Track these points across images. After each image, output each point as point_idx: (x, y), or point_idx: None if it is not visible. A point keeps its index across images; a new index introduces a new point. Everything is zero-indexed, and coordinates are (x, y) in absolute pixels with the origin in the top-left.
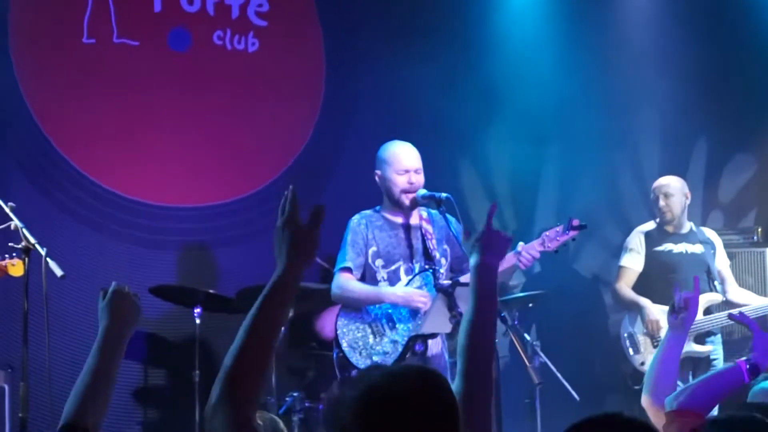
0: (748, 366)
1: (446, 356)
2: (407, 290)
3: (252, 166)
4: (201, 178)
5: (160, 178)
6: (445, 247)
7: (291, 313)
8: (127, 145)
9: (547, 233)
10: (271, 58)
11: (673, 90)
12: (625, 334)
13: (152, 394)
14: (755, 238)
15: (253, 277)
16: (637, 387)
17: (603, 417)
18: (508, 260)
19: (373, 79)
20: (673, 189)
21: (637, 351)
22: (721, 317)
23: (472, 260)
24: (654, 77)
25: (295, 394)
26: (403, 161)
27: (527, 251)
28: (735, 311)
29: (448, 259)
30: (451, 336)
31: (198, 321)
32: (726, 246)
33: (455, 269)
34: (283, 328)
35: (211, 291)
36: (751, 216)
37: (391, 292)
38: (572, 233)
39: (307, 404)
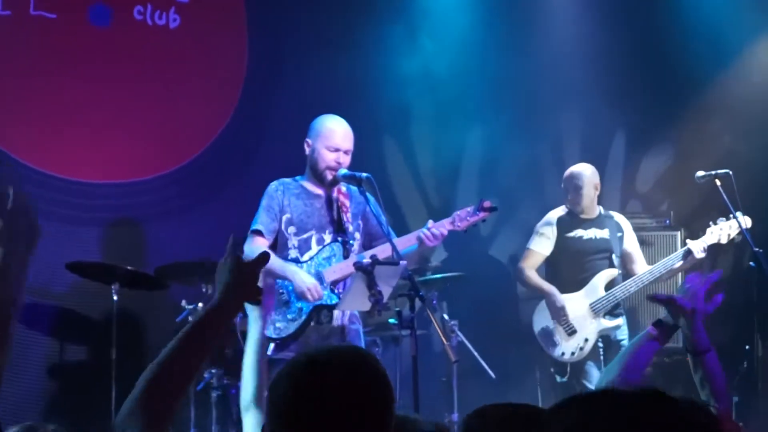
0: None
1: (356, 325)
2: (306, 281)
3: (173, 143)
4: (121, 154)
5: (80, 153)
6: (360, 222)
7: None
8: (45, 120)
9: (459, 213)
10: (192, 33)
11: (594, 84)
12: (538, 331)
13: (68, 371)
14: (667, 222)
15: (172, 254)
16: (560, 378)
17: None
18: (408, 239)
19: (297, 56)
20: (583, 181)
21: (553, 345)
22: (620, 290)
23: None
24: (576, 71)
25: (213, 371)
26: (336, 138)
27: (436, 228)
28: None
29: (362, 233)
30: (370, 314)
31: (116, 298)
32: (642, 230)
33: (366, 245)
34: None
35: (129, 267)
36: (666, 204)
37: (292, 272)
38: (483, 215)
39: (225, 381)
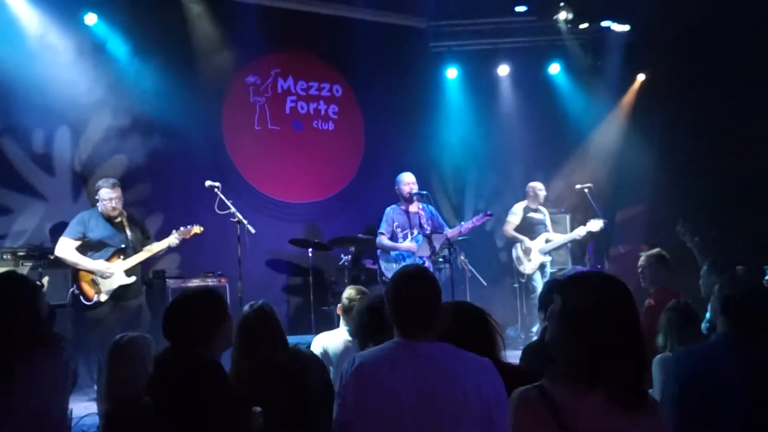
0: None
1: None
2: (410, 247)
3: (329, 184)
4: (307, 187)
5: (289, 187)
6: (430, 221)
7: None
8: (274, 172)
9: (474, 218)
10: (340, 129)
11: (527, 144)
12: (515, 256)
13: (286, 292)
14: (563, 210)
15: (334, 232)
16: (522, 280)
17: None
18: (455, 230)
19: (390, 137)
20: (537, 190)
21: (521, 264)
22: (550, 245)
23: None
24: (520, 138)
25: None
26: (409, 181)
27: (465, 226)
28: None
29: (430, 227)
30: (430, 257)
31: (310, 255)
32: (552, 214)
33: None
34: (351, 253)
35: (316, 240)
36: (563, 202)
37: (406, 247)
38: (486, 218)
39: None
